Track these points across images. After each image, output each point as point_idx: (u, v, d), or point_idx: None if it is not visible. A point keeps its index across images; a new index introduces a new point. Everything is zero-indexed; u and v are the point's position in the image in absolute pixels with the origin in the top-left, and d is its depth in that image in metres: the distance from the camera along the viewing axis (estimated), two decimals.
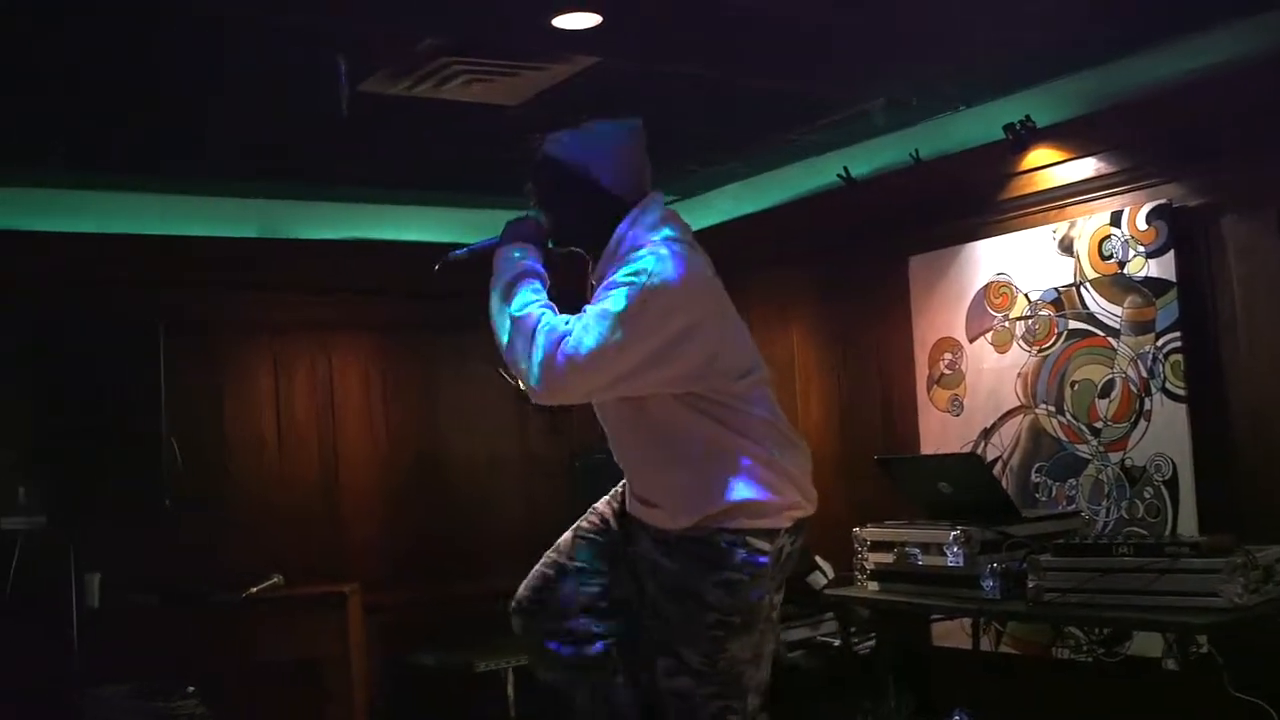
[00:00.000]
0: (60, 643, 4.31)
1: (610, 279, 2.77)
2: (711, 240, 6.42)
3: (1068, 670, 4.76)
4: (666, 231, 2.90)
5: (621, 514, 3.12)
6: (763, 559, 2.87)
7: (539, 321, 2.71)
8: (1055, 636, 4.71)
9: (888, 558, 4.26)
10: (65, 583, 4.19)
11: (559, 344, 2.66)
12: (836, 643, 5.25)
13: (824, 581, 5.35)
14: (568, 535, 3.20)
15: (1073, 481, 4.86)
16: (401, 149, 5.59)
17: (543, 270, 2.88)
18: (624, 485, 3.16)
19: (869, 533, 4.37)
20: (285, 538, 5.81)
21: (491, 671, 5.53)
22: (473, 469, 6.58)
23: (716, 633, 2.85)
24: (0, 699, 4.20)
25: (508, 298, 2.79)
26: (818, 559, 5.44)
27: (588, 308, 2.76)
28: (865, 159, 5.71)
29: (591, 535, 3.15)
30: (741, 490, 2.83)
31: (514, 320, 2.73)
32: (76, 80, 4.41)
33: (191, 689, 4.30)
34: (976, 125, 5.26)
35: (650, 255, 2.77)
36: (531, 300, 2.77)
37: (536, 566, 3.18)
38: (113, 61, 4.25)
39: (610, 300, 2.71)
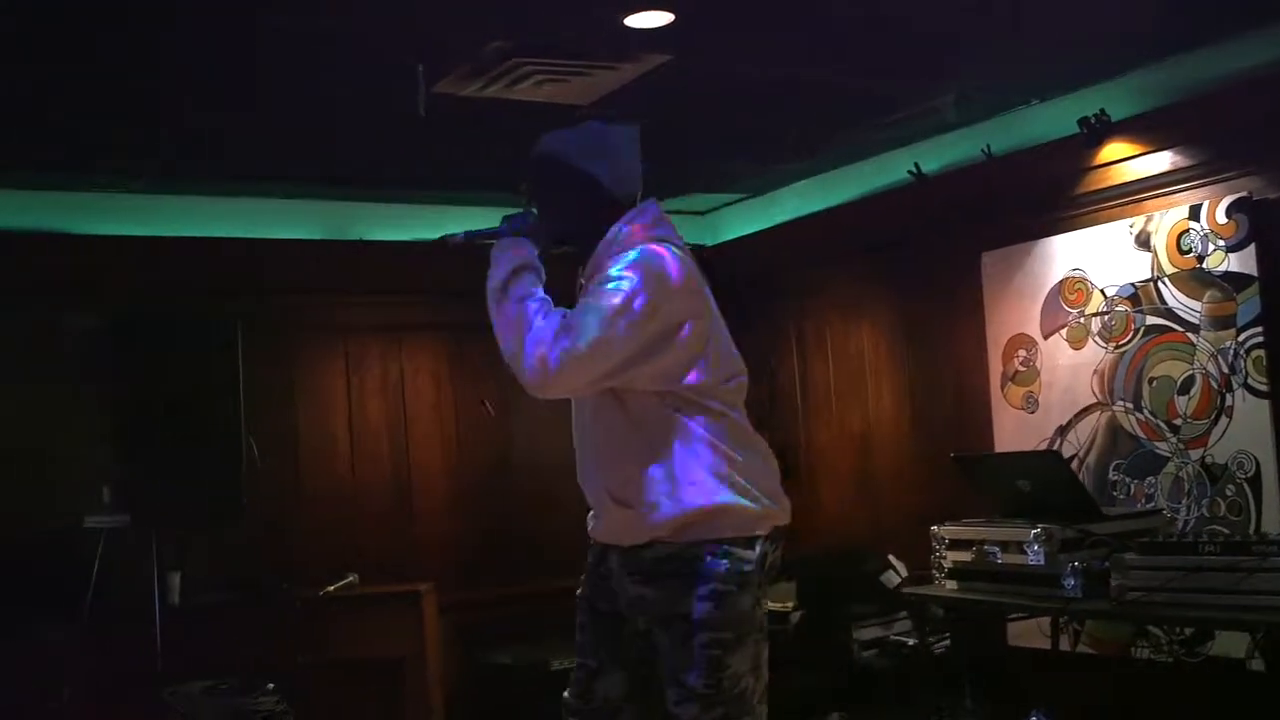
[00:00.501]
0: (143, 639, 4.37)
1: (604, 273, 2.76)
2: (781, 238, 6.57)
3: (1148, 670, 4.69)
4: (660, 233, 2.91)
5: (595, 584, 3.04)
6: (748, 566, 2.81)
7: (535, 315, 2.70)
8: (1135, 636, 4.64)
9: (966, 556, 4.23)
10: (148, 580, 4.26)
11: (555, 338, 2.66)
12: (910, 642, 5.21)
13: (897, 580, 5.32)
14: (577, 635, 3.13)
15: (1151, 479, 4.80)
16: (473, 150, 5.62)
17: (540, 264, 2.86)
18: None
19: (947, 531, 4.34)
20: (359, 537, 5.86)
21: (567, 669, 5.51)
22: (542, 467, 6.57)
23: (713, 652, 2.78)
24: (86, 695, 4.27)
25: (505, 291, 2.78)
26: (891, 558, 5.41)
27: (581, 301, 2.76)
28: (936, 155, 5.67)
29: (590, 625, 3.07)
30: (724, 495, 2.80)
31: (510, 313, 2.73)
32: (172, 92, 4.49)
33: (271, 685, 4.34)
34: (1049, 119, 5.21)
35: (645, 252, 2.79)
36: (528, 294, 2.76)
37: (574, 670, 3.14)
38: (199, 72, 4.32)
39: (605, 294, 2.71)
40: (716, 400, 2.83)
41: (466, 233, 2.96)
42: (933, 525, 4.42)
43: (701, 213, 7.10)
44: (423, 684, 5.40)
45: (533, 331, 2.67)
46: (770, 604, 5.60)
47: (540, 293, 2.77)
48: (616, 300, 2.68)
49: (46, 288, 5.18)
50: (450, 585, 5.98)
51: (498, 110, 4.91)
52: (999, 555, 4.09)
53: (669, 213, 7.03)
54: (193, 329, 4.58)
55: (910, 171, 5.67)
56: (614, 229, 2.87)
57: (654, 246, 2.81)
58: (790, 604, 5.59)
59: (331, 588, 5.03)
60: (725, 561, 2.77)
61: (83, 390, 4.63)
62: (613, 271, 2.74)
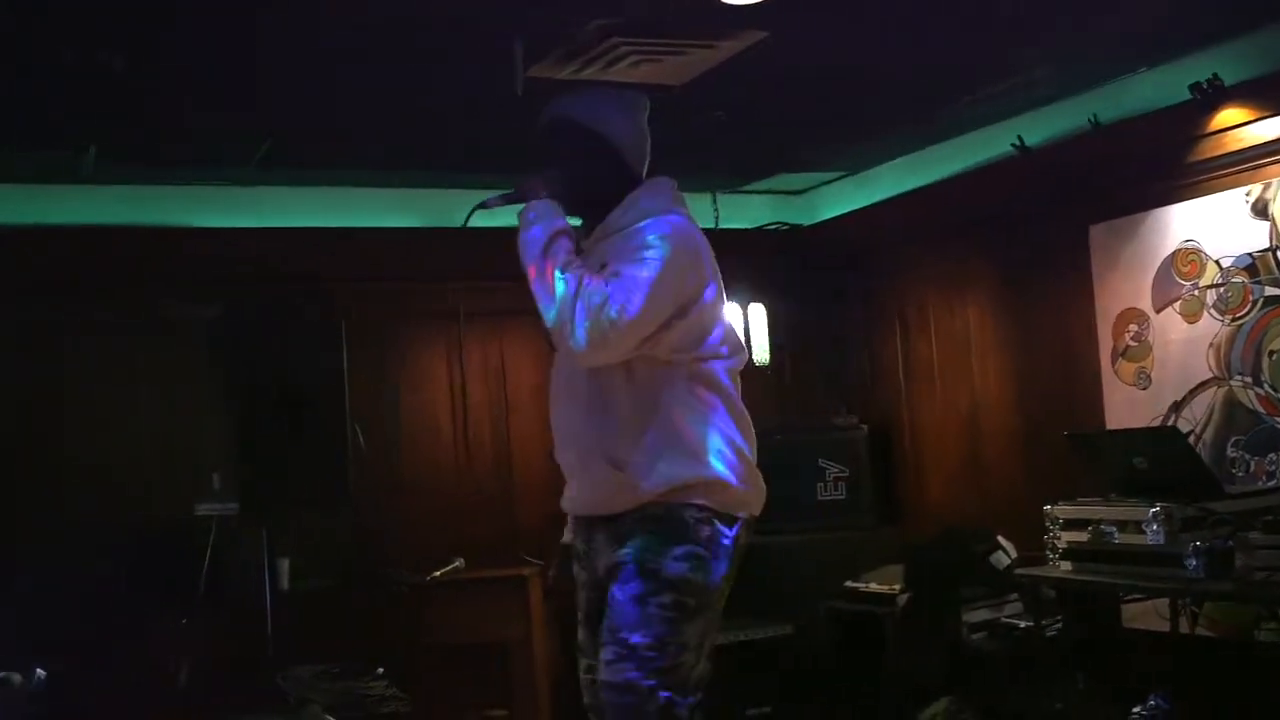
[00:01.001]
0: (254, 624, 4.43)
1: (638, 240, 2.79)
2: (881, 215, 6.48)
3: (1272, 654, 4.54)
4: (682, 209, 2.96)
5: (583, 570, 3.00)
6: (726, 539, 2.82)
7: (580, 284, 2.71)
8: (1259, 618, 4.50)
9: (1081, 536, 4.13)
10: (258, 567, 4.31)
11: (603, 306, 2.66)
12: (1022, 625, 5.10)
13: (1007, 561, 5.21)
14: (579, 632, 3.06)
15: (1273, 456, 4.64)
16: None
17: (571, 228, 2.90)
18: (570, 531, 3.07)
19: (1061, 510, 4.23)
20: (464, 522, 5.89)
21: None
22: None
23: (670, 614, 2.75)
24: (200, 679, 4.34)
25: (545, 257, 2.79)
26: (1000, 538, 5.31)
27: (619, 268, 2.74)
28: (1041, 126, 5.53)
29: (587, 620, 3.00)
30: (718, 467, 2.82)
31: (553, 282, 2.74)
32: (278, 81, 4.54)
33: (381, 670, 4.38)
34: (1158, 86, 5.05)
35: (675, 223, 2.83)
36: (568, 261, 2.78)
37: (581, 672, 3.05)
38: (304, 60, 4.36)
39: (646, 263, 2.73)
40: (720, 374, 2.87)
41: (502, 195, 3.02)
42: (1044, 505, 4.31)
43: (798, 192, 7.02)
44: (529, 668, 5.42)
45: (580, 301, 2.67)
46: (876, 586, 5.64)
47: (578, 260, 2.79)
48: (656, 269, 2.70)
49: (161, 280, 5.26)
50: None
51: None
52: (1116, 535, 3.99)
53: (766, 192, 7.06)
54: (300, 317, 4.63)
55: (1013, 144, 5.54)
56: (632, 196, 2.91)
57: (681, 219, 2.85)
58: (897, 586, 5.51)
59: (438, 572, 5.06)
60: (707, 527, 2.78)
61: (195, 379, 4.70)
62: (649, 239, 2.77)
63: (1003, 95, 5.35)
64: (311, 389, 4.47)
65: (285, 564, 5.14)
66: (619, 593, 2.78)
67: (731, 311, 5.30)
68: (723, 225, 6.54)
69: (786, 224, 6.89)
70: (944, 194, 6.05)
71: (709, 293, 2.84)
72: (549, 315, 2.73)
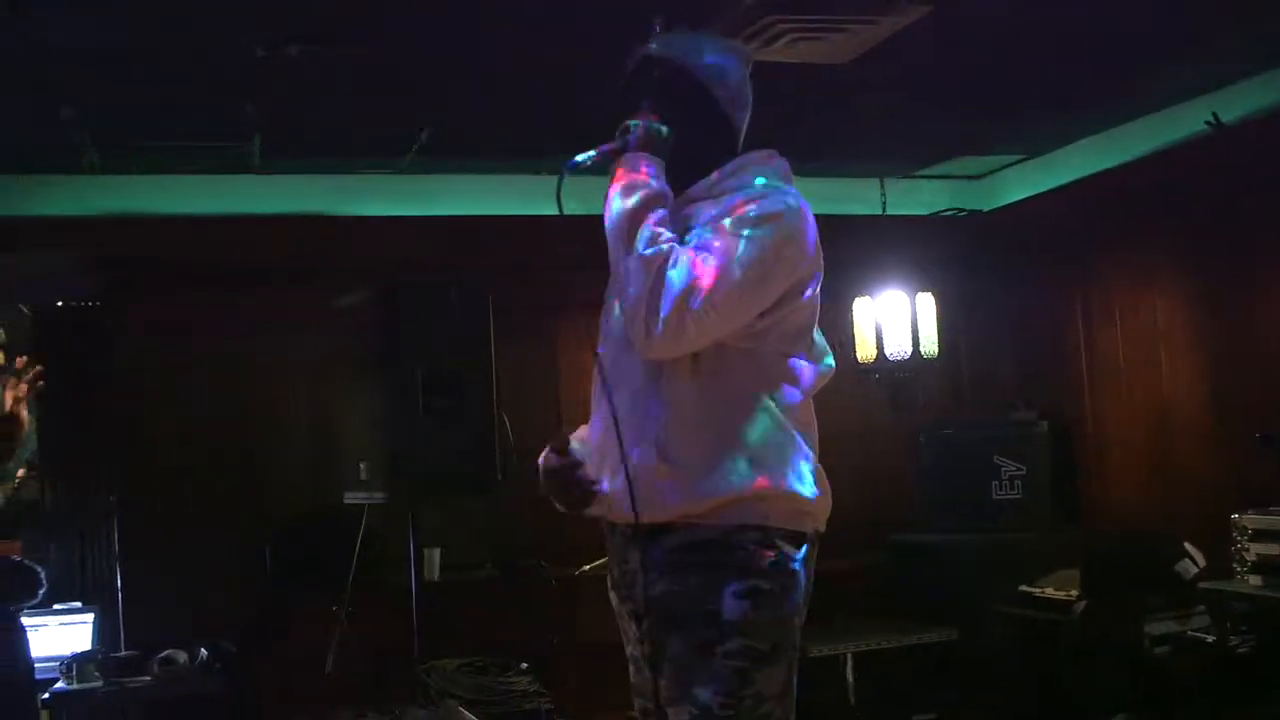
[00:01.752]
0: (400, 615, 4.41)
1: (740, 214, 2.35)
2: (1064, 200, 6.12)
3: None
4: (793, 185, 2.52)
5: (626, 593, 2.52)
6: (796, 564, 2.35)
7: (669, 262, 2.27)
8: None
9: (1273, 549, 3.78)
10: (405, 556, 4.29)
11: (690, 292, 2.24)
12: (1210, 639, 4.74)
13: (1194, 570, 4.86)
14: (630, 669, 2.61)
15: None
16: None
17: (667, 191, 2.41)
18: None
19: (1250, 520, 3.90)
20: None
21: (829, 656, 5.34)
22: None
23: (739, 663, 2.29)
24: (347, 668, 4.35)
25: (635, 223, 2.32)
26: (1187, 545, 4.96)
27: (715, 245, 2.30)
28: (1238, 102, 5.13)
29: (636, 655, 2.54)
30: (790, 479, 2.36)
31: (642, 257, 2.28)
32: (432, 75, 4.52)
33: (525, 665, 4.30)
34: None
35: (785, 202, 2.40)
36: (657, 235, 2.31)
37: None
38: (458, 55, 4.32)
39: (748, 244, 2.30)
40: (810, 377, 2.46)
41: (598, 150, 2.49)
42: (1233, 514, 3.97)
43: (977, 176, 6.71)
44: None
45: (668, 283, 2.25)
46: (1052, 591, 5.33)
47: (669, 231, 2.34)
48: (758, 251, 2.30)
49: (318, 268, 5.30)
50: None
51: (757, 71, 4.72)
52: None
53: (943, 177, 6.73)
54: (449, 306, 4.57)
55: (1208, 122, 5.15)
56: (740, 160, 2.51)
57: (795, 197, 2.43)
58: (1074, 592, 5.21)
59: (587, 567, 4.96)
60: (771, 554, 2.32)
61: (349, 368, 4.71)
62: (756, 214, 2.34)
63: (1193, 68, 4.98)
64: (460, 377, 4.41)
65: (436, 554, 5.12)
66: (677, 642, 2.35)
67: (896, 302, 5.05)
68: (896, 212, 6.30)
69: (964, 210, 6.58)
70: (1130, 176, 5.68)
71: (814, 285, 2.44)
72: (630, 293, 2.28)
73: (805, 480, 2.38)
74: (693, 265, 2.26)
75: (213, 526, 5.28)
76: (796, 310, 2.41)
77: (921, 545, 6.03)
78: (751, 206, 2.36)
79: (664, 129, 2.46)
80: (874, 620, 5.92)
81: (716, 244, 2.31)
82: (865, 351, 5.07)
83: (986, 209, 6.62)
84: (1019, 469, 5.94)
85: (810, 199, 2.50)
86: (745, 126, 2.59)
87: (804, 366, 2.45)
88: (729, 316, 2.30)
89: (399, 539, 4.31)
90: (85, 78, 4.40)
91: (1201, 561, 4.84)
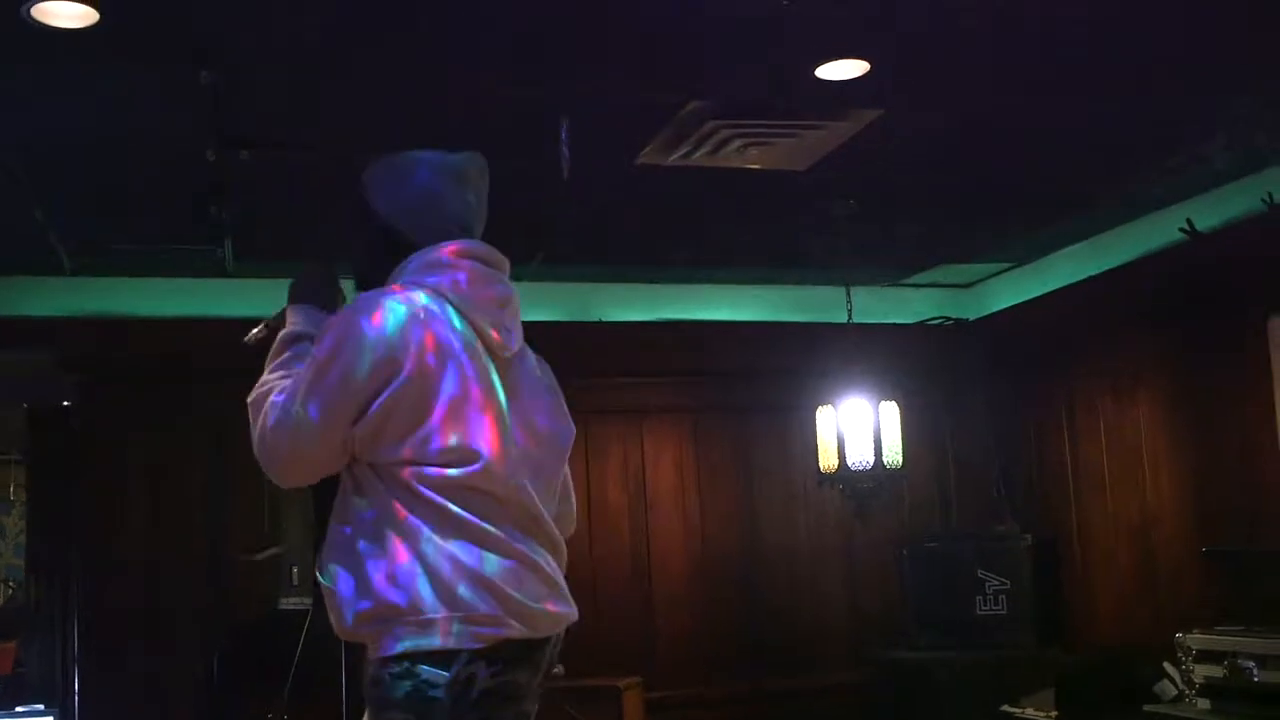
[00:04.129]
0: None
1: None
2: (1047, 307, 6.01)
3: None
4: (419, 280, 2.38)
5: None
6: (435, 692, 2.19)
7: (266, 395, 2.34)
8: None
9: (1217, 670, 3.61)
10: (339, 665, 4.20)
11: (265, 420, 2.31)
12: None
13: (1174, 692, 4.67)
14: None
15: None
16: (700, 224, 5.43)
17: (309, 330, 2.43)
18: None
19: (1195, 640, 3.73)
20: (596, 623, 5.66)
21: None
22: (791, 557, 6.26)
23: None
24: None
25: (268, 367, 2.44)
26: (1167, 665, 4.76)
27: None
28: (1212, 210, 5.04)
29: None
30: (411, 589, 2.21)
31: (250, 402, 2.38)
32: None
33: None
34: None
35: (360, 301, 2.34)
36: (268, 379, 2.39)
37: None
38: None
39: (311, 358, 2.31)
40: (430, 485, 2.26)
41: (266, 323, 2.60)
42: (1176, 633, 3.81)
43: (966, 285, 6.63)
44: None
45: (262, 414, 2.31)
46: (1034, 712, 5.13)
47: (288, 370, 2.37)
48: (311, 372, 2.28)
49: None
50: (690, 679, 5.73)
51: (709, 179, 4.70)
52: (1255, 671, 3.46)
53: (928, 285, 6.66)
54: None
55: (1182, 229, 5.05)
56: (393, 274, 2.42)
57: (386, 296, 2.32)
58: (1051, 713, 5.02)
59: None
60: (407, 683, 2.20)
61: None
62: (330, 323, 2.34)
63: (1172, 175, 4.91)
64: None
65: None
66: None
67: (858, 411, 4.91)
68: (882, 320, 6.24)
69: (950, 318, 6.50)
70: (1112, 283, 5.59)
71: (396, 384, 2.26)
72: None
73: (437, 590, 2.21)
74: (268, 398, 2.33)
75: (175, 629, 5.26)
76: (381, 414, 2.25)
77: (905, 662, 5.86)
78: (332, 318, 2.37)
79: (306, 270, 2.56)
80: None
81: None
82: (828, 461, 4.98)
83: (973, 317, 6.53)
84: (1003, 583, 5.77)
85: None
86: (438, 232, 2.45)
87: (429, 471, 2.27)
88: (291, 435, 2.27)
89: (336, 646, 4.24)
90: (44, 178, 4.47)
91: (1181, 683, 4.65)
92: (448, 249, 2.42)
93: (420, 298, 2.33)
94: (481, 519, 2.29)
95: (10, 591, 10.12)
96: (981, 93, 4.09)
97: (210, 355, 5.48)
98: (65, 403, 6.06)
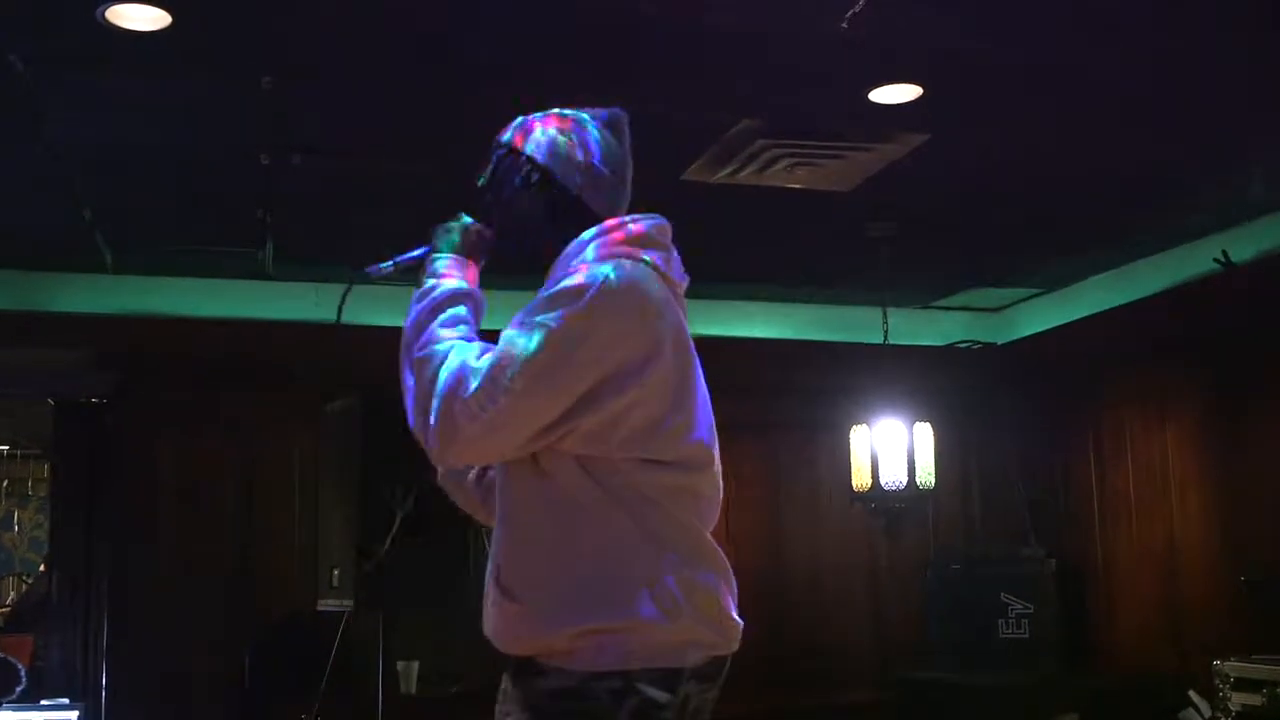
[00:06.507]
0: None
1: (541, 300, 2.05)
2: (1079, 334, 6.05)
3: None
4: (631, 252, 2.12)
5: None
6: (663, 713, 2.02)
7: (445, 357, 2.02)
8: None
9: (1255, 699, 3.64)
10: (375, 668, 4.23)
11: (458, 388, 1.98)
12: None
13: None
14: None
15: None
16: (738, 240, 5.46)
17: (473, 290, 2.19)
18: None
19: (1232, 668, 3.76)
20: None
21: None
22: (816, 575, 6.27)
23: None
24: None
25: (418, 330, 2.10)
26: (1192, 694, 4.80)
27: (503, 336, 2.04)
28: (1247, 241, 5.09)
29: None
30: (640, 606, 2.01)
31: (415, 360, 2.05)
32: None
33: None
34: None
35: (590, 278, 2.04)
36: (446, 335, 2.07)
37: None
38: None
39: (525, 334, 2.00)
40: (659, 486, 2.07)
41: (395, 260, 2.30)
42: (1215, 660, 3.84)
43: (996, 309, 6.66)
44: None
45: (436, 384, 1.99)
46: None
47: (463, 330, 2.09)
48: (541, 341, 1.98)
49: (313, 374, 5.34)
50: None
51: (751, 196, 4.74)
52: None
53: (958, 309, 6.67)
54: None
55: (1217, 260, 5.09)
56: (579, 240, 2.14)
57: (618, 270, 2.06)
58: None
59: None
60: (632, 701, 1.99)
61: (333, 474, 4.70)
62: (547, 296, 2.04)
63: (1209, 207, 4.95)
64: (440, 490, 4.37)
65: (414, 667, 5.04)
66: None
67: (893, 432, 4.93)
68: (911, 342, 6.26)
69: (978, 342, 6.53)
70: (1145, 312, 5.62)
71: (647, 372, 2.03)
72: (405, 402, 2.07)
73: (669, 609, 2.03)
74: (463, 363, 2.00)
75: (202, 628, 5.29)
76: (624, 403, 2.03)
77: (928, 683, 5.87)
78: (547, 290, 2.08)
79: (466, 223, 2.27)
80: None
81: (505, 334, 2.03)
82: (861, 480, 5.01)
83: (1001, 341, 6.56)
84: (1026, 608, 5.79)
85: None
86: (615, 195, 2.26)
87: (662, 466, 2.08)
88: (507, 418, 1.98)
89: (375, 649, 4.26)
90: (97, 177, 4.51)
91: (1207, 711, 4.67)
92: (650, 223, 2.18)
93: (654, 275, 2.12)
94: (705, 525, 2.15)
95: (26, 585, 10.15)
96: (1027, 123, 4.15)
97: (247, 355, 5.57)
98: (93, 399, 6.07)
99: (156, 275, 5.67)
